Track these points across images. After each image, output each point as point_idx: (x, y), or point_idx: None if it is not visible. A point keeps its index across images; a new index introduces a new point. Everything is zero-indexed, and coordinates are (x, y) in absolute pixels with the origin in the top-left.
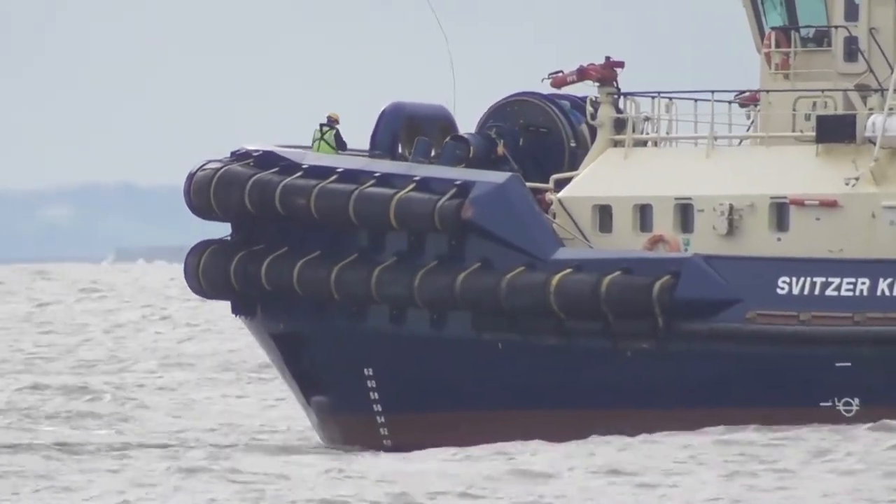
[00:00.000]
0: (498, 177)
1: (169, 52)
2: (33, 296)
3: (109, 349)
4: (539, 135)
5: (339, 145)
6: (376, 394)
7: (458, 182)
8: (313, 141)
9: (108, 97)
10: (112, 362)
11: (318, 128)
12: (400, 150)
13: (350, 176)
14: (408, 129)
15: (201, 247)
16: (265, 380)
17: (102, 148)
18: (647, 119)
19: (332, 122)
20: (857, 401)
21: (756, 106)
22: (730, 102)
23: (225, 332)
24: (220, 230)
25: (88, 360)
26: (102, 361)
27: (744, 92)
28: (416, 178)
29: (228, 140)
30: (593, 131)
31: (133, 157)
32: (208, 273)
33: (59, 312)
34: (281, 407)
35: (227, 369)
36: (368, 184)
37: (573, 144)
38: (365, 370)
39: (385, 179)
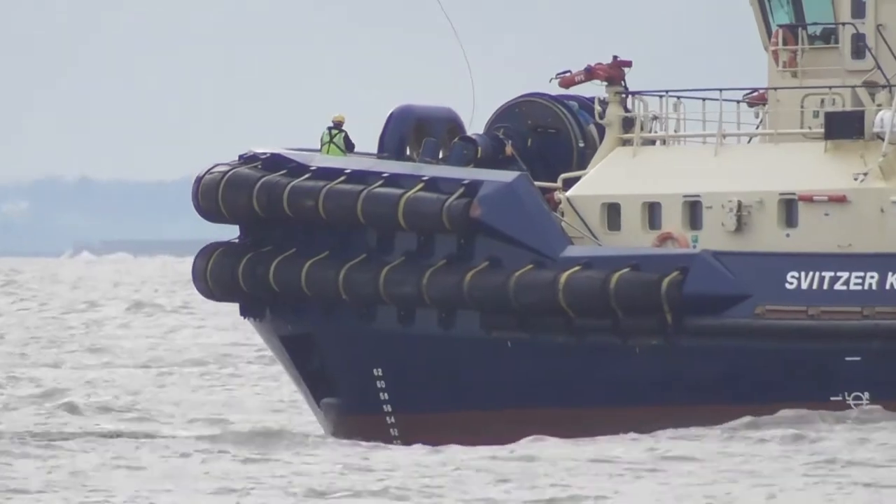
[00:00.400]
0: (506, 176)
1: (134, 49)
2: (11, 290)
3: (92, 343)
4: (547, 135)
5: (348, 147)
6: (386, 394)
7: (466, 181)
8: (322, 144)
9: (67, 92)
10: (95, 356)
11: (326, 131)
12: (408, 153)
13: (358, 177)
14: (416, 131)
15: (209, 249)
16: (253, 373)
17: (59, 143)
18: (655, 118)
19: (338, 124)
20: (867, 395)
21: (764, 105)
22: (738, 101)
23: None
24: (176, 226)
25: (70, 353)
26: (84, 354)
27: (752, 92)
28: (425, 178)
29: (202, 138)
30: (601, 131)
31: (89, 153)
32: (216, 275)
33: (36, 306)
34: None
35: (212, 362)
36: (376, 184)
37: (581, 145)
38: (374, 370)
39: (393, 180)
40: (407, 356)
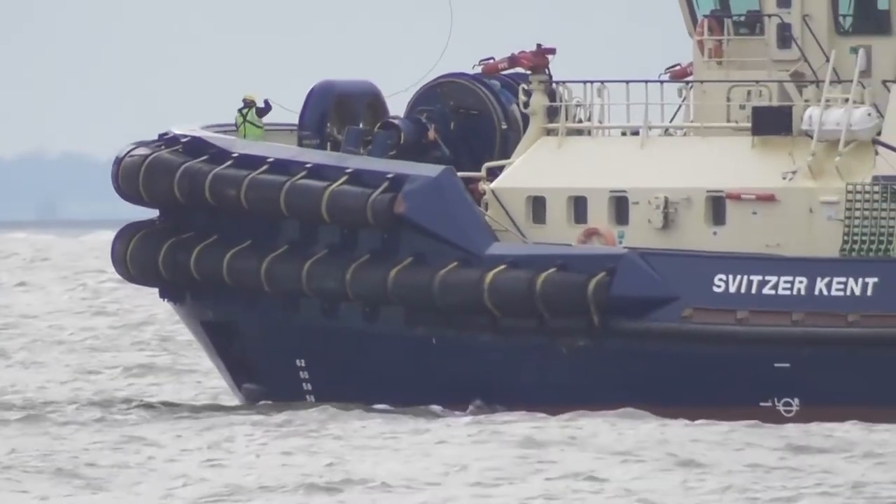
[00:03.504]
0: (431, 170)
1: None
2: None
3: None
4: (470, 117)
5: (262, 112)
6: (309, 385)
7: (390, 175)
8: (237, 126)
9: None
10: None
11: (238, 113)
12: (329, 129)
13: (281, 166)
14: (337, 107)
15: (129, 231)
16: None
17: None
18: (579, 105)
19: (248, 103)
20: (797, 401)
21: (687, 82)
22: (661, 83)
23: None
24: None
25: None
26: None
27: (675, 66)
28: (349, 171)
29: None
30: (525, 113)
31: None
32: (137, 260)
33: None
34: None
35: None
36: (300, 175)
37: (504, 126)
38: (297, 361)
39: (316, 171)
40: (330, 349)
